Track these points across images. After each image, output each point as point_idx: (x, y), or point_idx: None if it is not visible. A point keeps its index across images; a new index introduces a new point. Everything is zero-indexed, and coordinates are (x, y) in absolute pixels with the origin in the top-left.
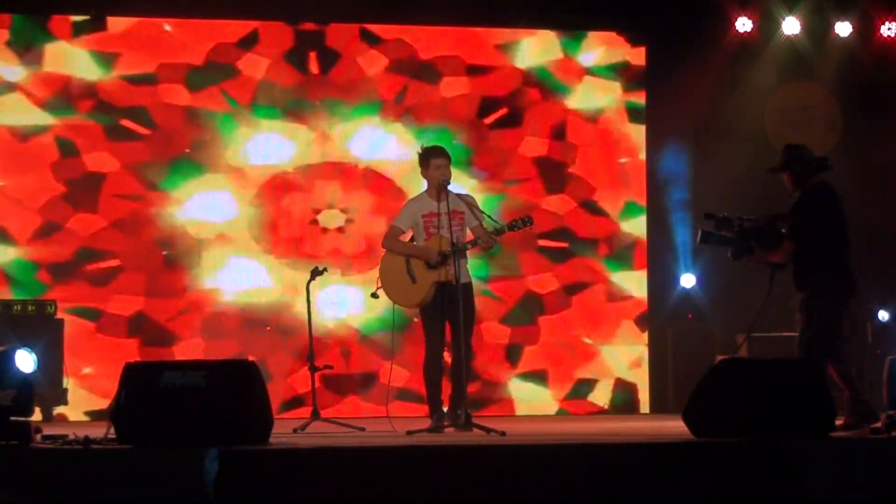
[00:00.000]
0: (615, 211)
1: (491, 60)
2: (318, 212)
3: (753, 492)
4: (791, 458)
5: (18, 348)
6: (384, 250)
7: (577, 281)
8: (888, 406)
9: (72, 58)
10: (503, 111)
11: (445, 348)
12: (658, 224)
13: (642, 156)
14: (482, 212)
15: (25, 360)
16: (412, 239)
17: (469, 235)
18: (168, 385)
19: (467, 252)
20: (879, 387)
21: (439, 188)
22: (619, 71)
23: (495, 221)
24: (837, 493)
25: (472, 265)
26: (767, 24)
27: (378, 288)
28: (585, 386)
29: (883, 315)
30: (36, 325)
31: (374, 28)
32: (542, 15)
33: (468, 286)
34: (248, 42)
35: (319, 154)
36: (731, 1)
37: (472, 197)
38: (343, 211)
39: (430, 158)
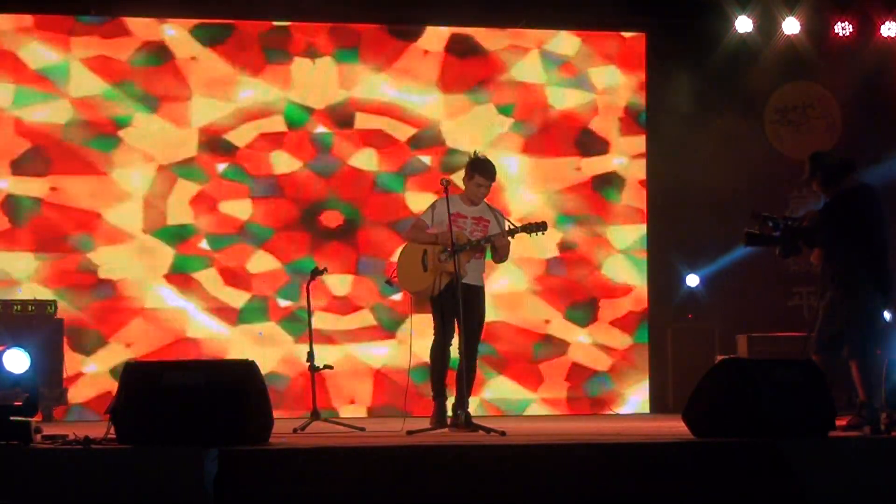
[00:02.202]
0: (615, 210)
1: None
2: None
3: (753, 492)
4: (791, 458)
5: (11, 348)
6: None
7: (577, 280)
8: (888, 406)
9: None
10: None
11: (451, 345)
12: (659, 223)
13: (642, 153)
14: (523, 231)
15: (17, 360)
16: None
17: (507, 244)
18: (168, 385)
19: (482, 260)
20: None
21: (442, 184)
22: (619, 70)
23: (512, 223)
24: (837, 493)
25: None
26: (767, 24)
27: (394, 276)
28: (586, 387)
29: (887, 315)
30: (36, 325)
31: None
32: (541, 14)
33: (480, 290)
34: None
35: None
36: (731, 1)
37: (501, 212)
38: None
39: (476, 175)
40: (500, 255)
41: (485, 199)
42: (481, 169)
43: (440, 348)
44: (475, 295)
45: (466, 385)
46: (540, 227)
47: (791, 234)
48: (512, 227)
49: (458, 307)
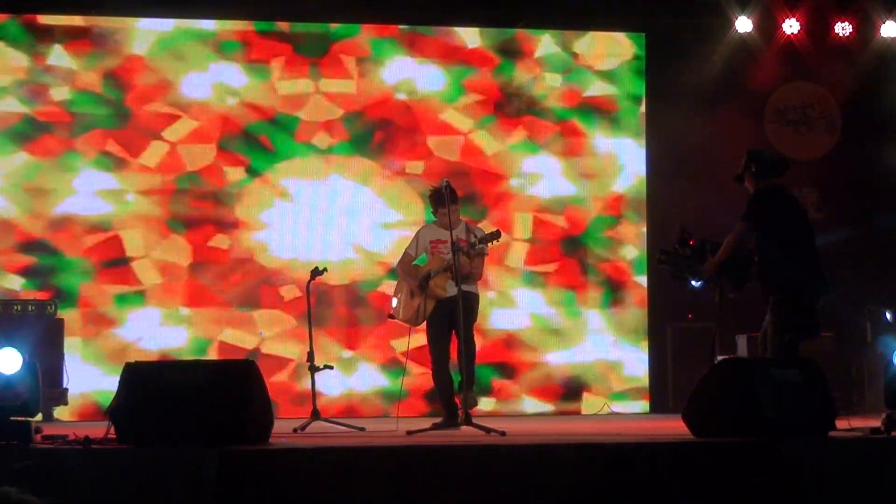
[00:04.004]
0: (615, 209)
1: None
2: None
3: (753, 492)
4: (791, 458)
5: (2, 347)
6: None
7: (578, 280)
8: (888, 406)
9: None
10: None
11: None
12: (659, 223)
13: (642, 154)
14: (480, 243)
15: (8, 360)
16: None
17: (466, 262)
18: (168, 385)
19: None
20: (880, 386)
21: (441, 184)
22: (618, 70)
23: (477, 240)
24: (837, 493)
25: None
26: (768, 24)
27: (392, 310)
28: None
29: (888, 315)
30: (36, 325)
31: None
32: (541, 15)
33: (469, 295)
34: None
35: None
36: (731, 1)
37: (481, 230)
38: None
39: (439, 207)
40: (472, 276)
41: (462, 220)
42: (440, 202)
43: (440, 368)
44: (470, 299)
45: (469, 364)
46: (494, 236)
47: (701, 252)
48: (471, 242)
49: (444, 324)
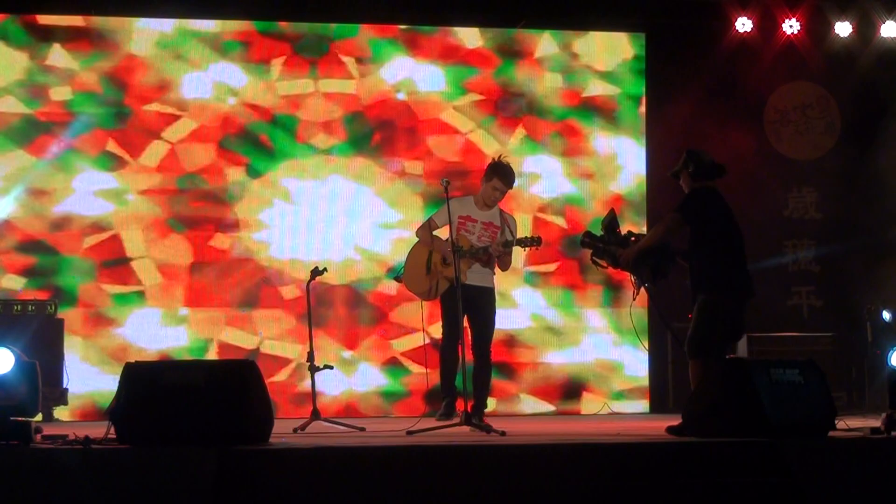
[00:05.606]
0: (615, 210)
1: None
2: None
3: (753, 492)
4: (791, 458)
5: None
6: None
7: (578, 280)
8: (888, 406)
9: None
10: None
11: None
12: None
13: (642, 154)
14: (518, 245)
15: (0, 360)
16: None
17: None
18: (168, 385)
19: (492, 264)
20: (879, 386)
21: (442, 184)
22: (618, 70)
23: (513, 235)
24: (837, 493)
25: None
26: (768, 24)
27: (402, 272)
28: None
29: (886, 315)
30: (36, 325)
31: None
32: (541, 15)
33: (486, 291)
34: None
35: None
36: (731, 1)
37: (514, 219)
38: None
39: (495, 178)
40: (501, 265)
41: (498, 205)
42: (501, 173)
43: (447, 347)
44: (479, 295)
45: (481, 389)
46: (534, 241)
47: (625, 240)
48: (508, 240)
49: (472, 314)
